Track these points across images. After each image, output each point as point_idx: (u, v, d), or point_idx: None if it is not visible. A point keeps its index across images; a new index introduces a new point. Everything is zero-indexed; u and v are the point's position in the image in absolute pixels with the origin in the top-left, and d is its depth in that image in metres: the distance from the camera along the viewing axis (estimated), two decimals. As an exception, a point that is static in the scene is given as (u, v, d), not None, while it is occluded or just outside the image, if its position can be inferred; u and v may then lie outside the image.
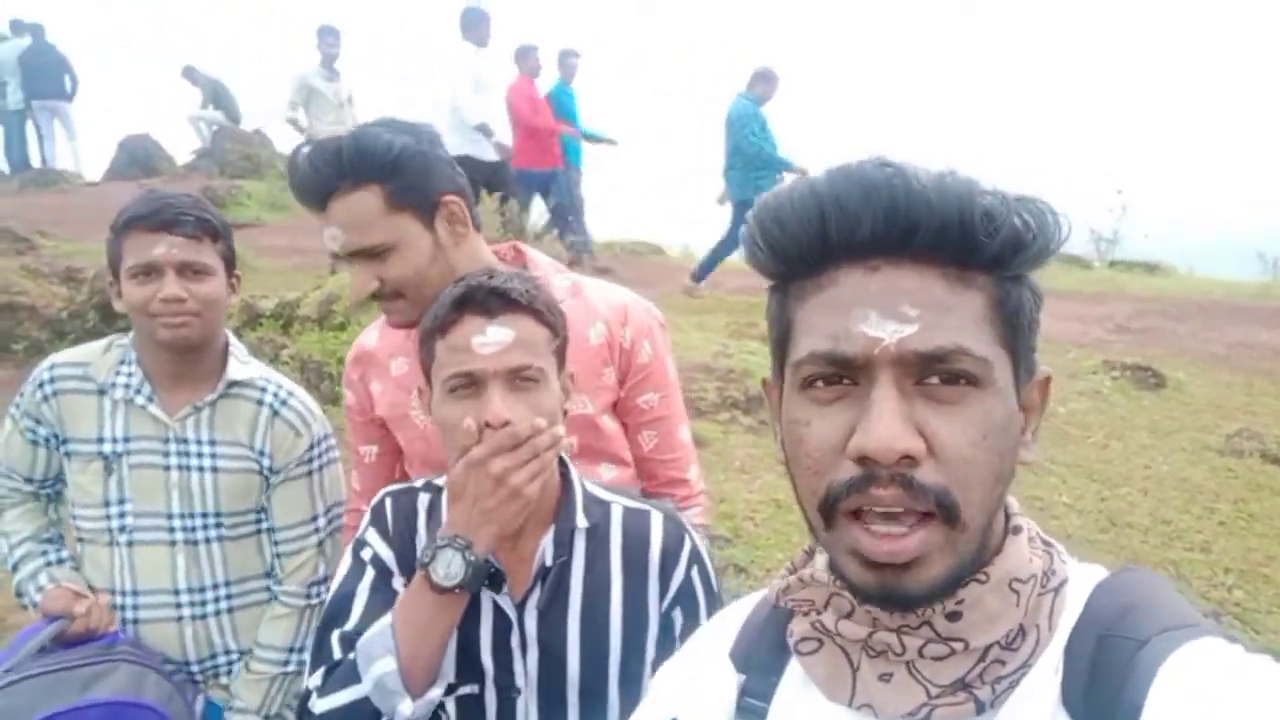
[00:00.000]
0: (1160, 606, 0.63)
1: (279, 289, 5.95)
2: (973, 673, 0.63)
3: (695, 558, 1.25)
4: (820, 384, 0.63)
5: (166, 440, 1.60)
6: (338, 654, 1.16)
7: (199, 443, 1.61)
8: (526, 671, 1.21)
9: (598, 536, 1.24)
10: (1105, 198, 12.63)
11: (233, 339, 1.70)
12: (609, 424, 1.51)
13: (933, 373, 0.61)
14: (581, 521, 1.22)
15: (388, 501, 1.26)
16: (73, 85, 11.27)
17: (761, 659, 0.74)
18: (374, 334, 1.57)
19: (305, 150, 1.35)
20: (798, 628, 0.71)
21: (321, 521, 1.70)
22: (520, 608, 1.20)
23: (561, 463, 1.27)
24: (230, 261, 1.62)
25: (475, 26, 6.74)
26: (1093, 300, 7.46)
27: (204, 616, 1.63)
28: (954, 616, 0.63)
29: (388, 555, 1.22)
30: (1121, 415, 5.08)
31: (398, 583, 1.21)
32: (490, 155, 6.78)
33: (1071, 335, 6.64)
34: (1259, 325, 6.69)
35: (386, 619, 1.13)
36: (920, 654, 0.64)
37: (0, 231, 7.44)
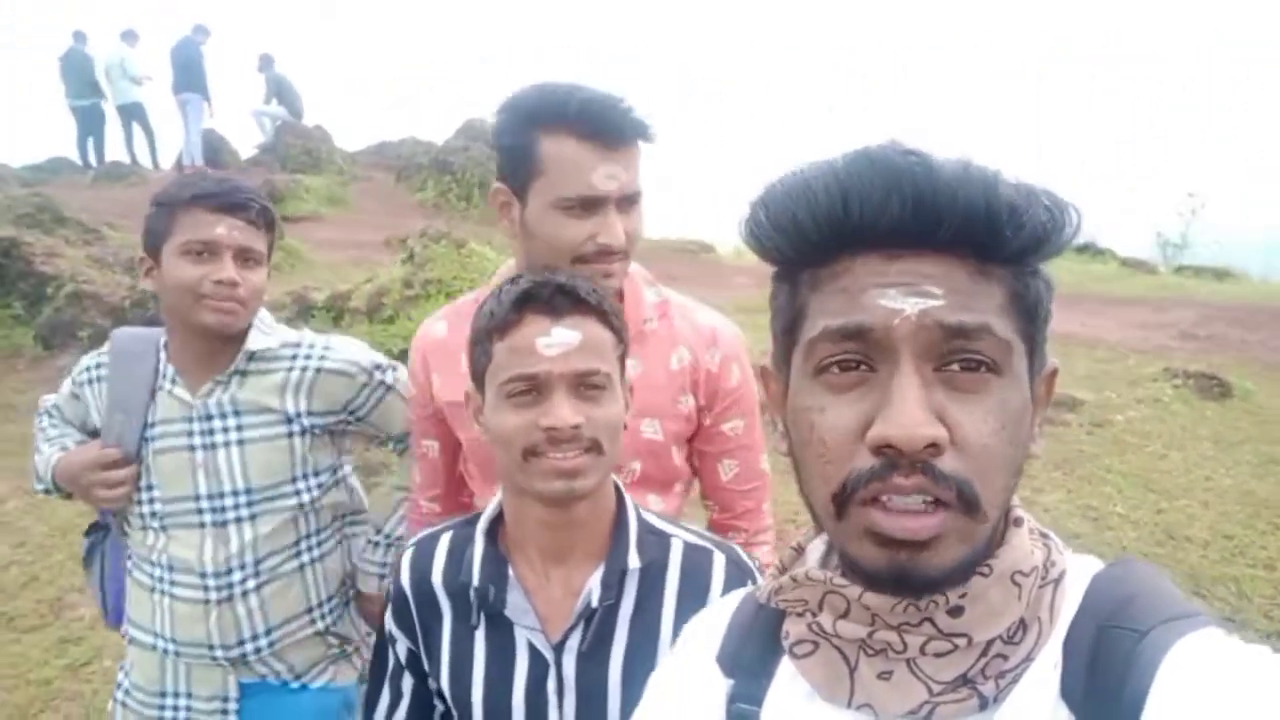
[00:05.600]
0: (1159, 597, 0.61)
1: (332, 281, 6.07)
2: (975, 668, 0.61)
3: None
4: (835, 369, 0.61)
5: (191, 419, 1.59)
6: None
7: (223, 417, 1.59)
8: None
9: (651, 574, 1.13)
10: (1175, 201, 12.27)
11: (261, 311, 1.65)
12: (676, 455, 1.45)
13: (954, 356, 0.58)
14: (634, 562, 1.12)
15: (406, 559, 1.23)
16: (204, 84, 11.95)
17: (750, 662, 0.72)
18: (442, 325, 1.53)
19: (606, 93, 1.36)
20: (793, 630, 0.69)
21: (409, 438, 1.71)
22: (559, 649, 1.11)
23: (617, 490, 1.18)
24: (270, 254, 1.62)
25: None
26: (1156, 306, 7.22)
27: (229, 599, 1.60)
28: (956, 612, 0.61)
29: (403, 647, 1.23)
30: (1183, 424, 4.90)
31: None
32: None
33: (1133, 342, 6.44)
34: (1334, 335, 6.40)
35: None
36: (922, 651, 0.62)
37: (71, 223, 7.73)
